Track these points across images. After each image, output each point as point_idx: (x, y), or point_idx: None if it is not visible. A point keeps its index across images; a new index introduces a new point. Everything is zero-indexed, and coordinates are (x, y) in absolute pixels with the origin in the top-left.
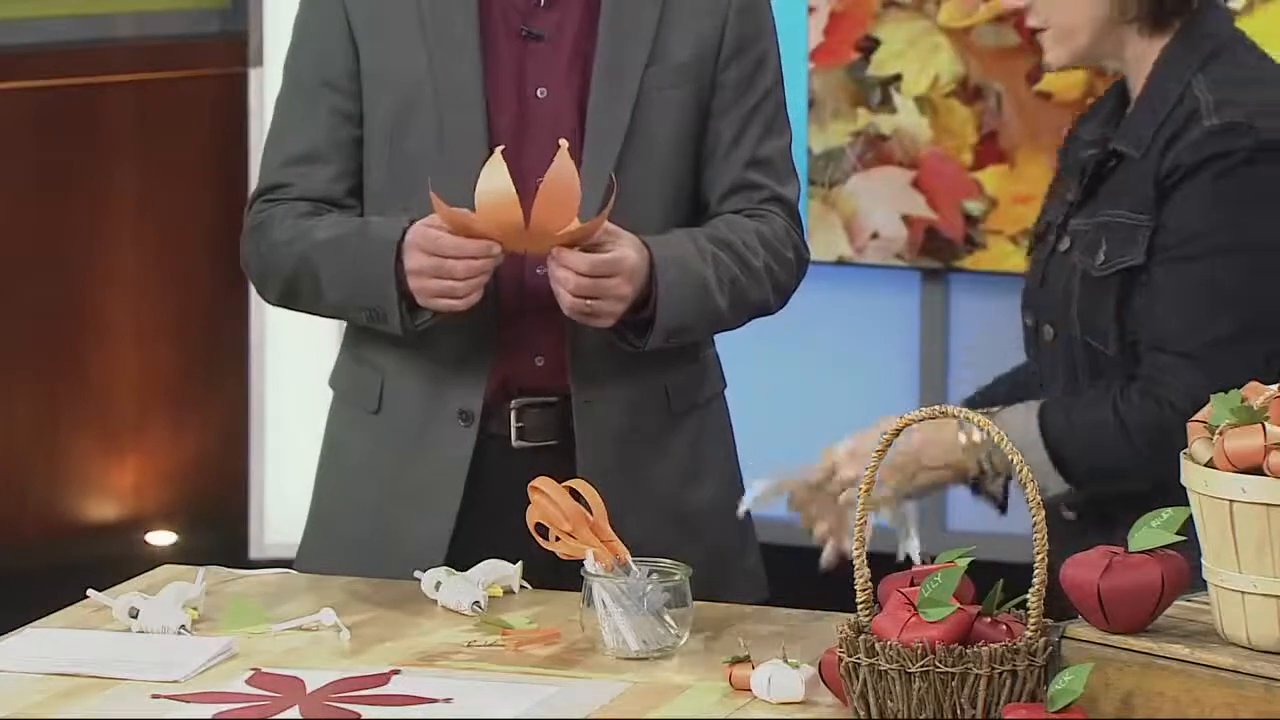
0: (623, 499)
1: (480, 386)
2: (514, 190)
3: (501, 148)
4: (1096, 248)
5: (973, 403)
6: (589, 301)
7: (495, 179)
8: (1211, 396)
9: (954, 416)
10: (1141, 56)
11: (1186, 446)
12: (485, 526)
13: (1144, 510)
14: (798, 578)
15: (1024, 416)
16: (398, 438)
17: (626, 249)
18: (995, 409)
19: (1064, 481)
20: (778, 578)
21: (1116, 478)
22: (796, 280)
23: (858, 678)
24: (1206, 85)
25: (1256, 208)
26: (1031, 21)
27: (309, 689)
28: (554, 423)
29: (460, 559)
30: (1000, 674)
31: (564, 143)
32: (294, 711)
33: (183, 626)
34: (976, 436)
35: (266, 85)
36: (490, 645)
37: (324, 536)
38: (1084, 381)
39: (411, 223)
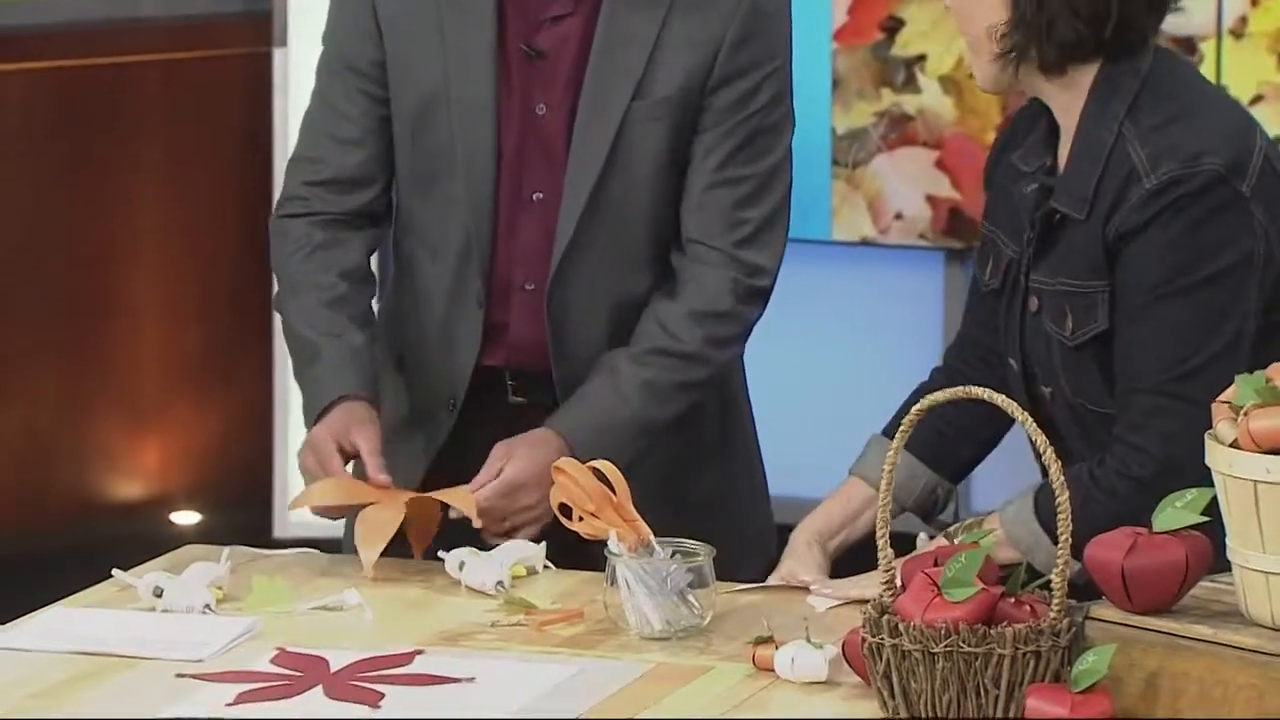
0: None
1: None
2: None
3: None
4: (1064, 317)
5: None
6: (504, 524)
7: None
8: (1236, 378)
9: (978, 397)
10: (1062, 99)
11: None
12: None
13: None
14: None
15: (1022, 508)
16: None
17: (513, 464)
18: (993, 512)
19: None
20: None
21: None
22: (754, 310)
23: (881, 658)
24: (1137, 137)
25: (1207, 241)
26: (962, 28)
27: (333, 668)
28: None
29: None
30: (1024, 654)
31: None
32: (318, 691)
33: (207, 606)
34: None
35: (291, 65)
36: (514, 625)
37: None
38: (1095, 432)
39: (340, 399)
